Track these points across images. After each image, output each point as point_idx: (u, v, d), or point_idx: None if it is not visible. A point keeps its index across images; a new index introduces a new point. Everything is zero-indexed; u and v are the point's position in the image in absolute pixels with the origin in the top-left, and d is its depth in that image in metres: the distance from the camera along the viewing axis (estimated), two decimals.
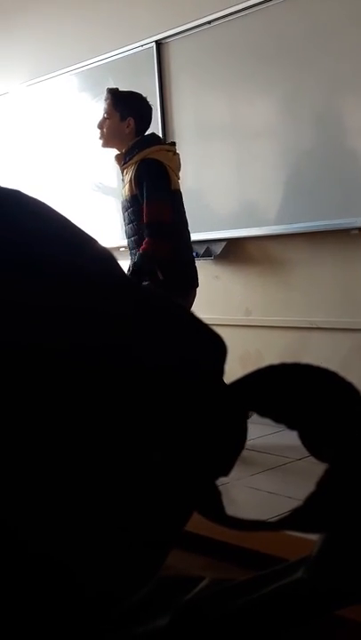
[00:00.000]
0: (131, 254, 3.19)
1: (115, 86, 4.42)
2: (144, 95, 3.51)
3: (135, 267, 3.06)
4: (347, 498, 0.32)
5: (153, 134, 3.24)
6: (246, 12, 3.63)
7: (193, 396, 0.34)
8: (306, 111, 3.49)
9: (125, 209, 3.18)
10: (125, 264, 4.41)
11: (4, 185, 0.37)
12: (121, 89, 4.36)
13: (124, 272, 0.37)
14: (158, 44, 4.06)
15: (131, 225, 3.16)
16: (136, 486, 0.32)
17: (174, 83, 4.05)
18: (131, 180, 3.09)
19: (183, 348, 0.35)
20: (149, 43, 4.09)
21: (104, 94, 3.27)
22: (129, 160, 3.12)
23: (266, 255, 3.84)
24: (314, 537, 0.34)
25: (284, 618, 0.33)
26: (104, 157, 4.51)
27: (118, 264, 0.37)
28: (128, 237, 3.20)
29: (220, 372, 0.36)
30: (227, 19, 3.71)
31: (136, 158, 3.10)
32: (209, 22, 3.79)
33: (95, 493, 0.31)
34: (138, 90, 4.17)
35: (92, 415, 0.31)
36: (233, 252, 3.92)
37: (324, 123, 3.43)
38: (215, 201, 3.89)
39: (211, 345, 0.36)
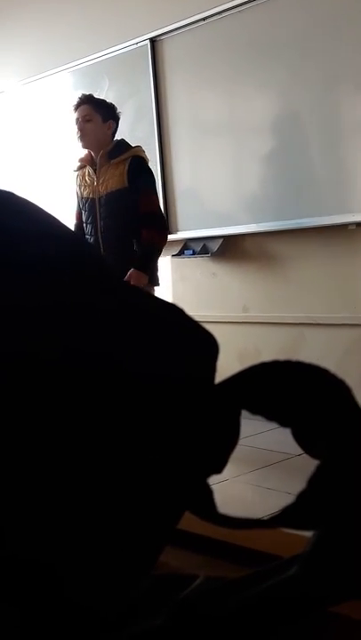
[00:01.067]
0: (104, 247, 3.32)
1: (108, 83, 4.43)
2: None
3: (143, 257, 3.22)
4: (338, 494, 0.32)
5: (125, 139, 3.43)
6: (241, 8, 3.63)
7: (185, 395, 0.34)
8: (302, 107, 3.49)
9: (105, 203, 3.32)
10: None
11: None
12: (116, 87, 4.37)
13: (114, 274, 0.37)
14: (153, 41, 4.05)
15: (108, 219, 3.31)
16: (128, 485, 0.32)
17: (169, 80, 4.04)
18: (122, 174, 3.27)
19: (175, 346, 0.35)
20: (144, 40, 4.08)
21: (76, 100, 3.43)
22: (115, 157, 3.32)
23: (263, 252, 3.84)
24: (307, 534, 0.34)
25: (279, 615, 0.34)
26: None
27: (108, 266, 0.38)
28: (103, 231, 3.32)
29: (213, 370, 0.36)
30: (221, 15, 3.71)
31: (126, 155, 3.31)
32: (203, 19, 3.78)
33: (86, 493, 0.31)
34: (133, 87, 4.17)
35: (83, 416, 0.31)
36: (230, 248, 3.92)
37: (320, 118, 3.43)
38: (212, 198, 3.88)
39: (203, 343, 0.36)
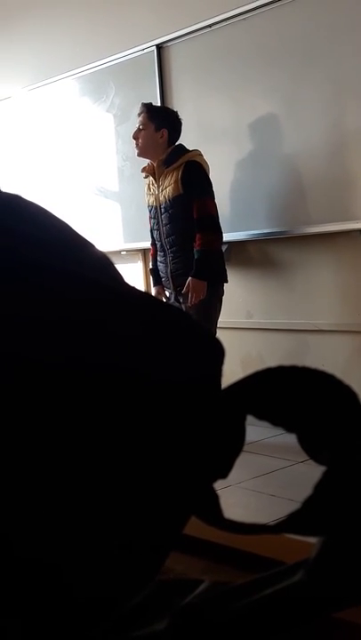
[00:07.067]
0: (169, 252, 3.50)
1: (114, 90, 4.44)
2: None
3: (199, 263, 3.37)
4: (345, 501, 0.32)
5: (182, 144, 3.53)
6: (247, 15, 3.64)
7: (190, 400, 0.34)
8: (307, 114, 3.49)
9: (165, 210, 3.47)
10: (127, 267, 4.41)
11: (4, 189, 0.37)
12: (122, 93, 4.39)
13: (122, 278, 0.37)
14: (159, 47, 4.07)
15: (169, 225, 3.47)
16: (134, 490, 0.32)
17: (175, 86, 4.06)
18: (177, 181, 3.41)
19: (180, 352, 0.35)
20: (150, 47, 4.10)
21: (138, 109, 3.57)
22: (171, 165, 3.44)
23: (267, 258, 3.84)
24: (312, 540, 0.34)
25: (283, 620, 0.34)
26: (105, 162, 4.52)
27: (116, 270, 0.38)
28: (166, 237, 3.49)
29: (218, 375, 0.36)
30: (227, 22, 3.72)
31: (180, 161, 3.43)
32: (209, 26, 3.80)
33: (93, 498, 0.31)
34: (139, 93, 4.18)
35: (89, 422, 0.32)
36: (234, 254, 3.92)
37: (325, 125, 3.44)
38: (217, 203, 3.89)
39: (208, 348, 0.36)
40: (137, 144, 3.53)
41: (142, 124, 3.50)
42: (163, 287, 3.69)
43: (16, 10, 4.92)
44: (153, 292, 3.71)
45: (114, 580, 0.32)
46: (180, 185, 3.40)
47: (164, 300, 3.61)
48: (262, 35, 3.60)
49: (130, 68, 4.25)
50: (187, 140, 3.60)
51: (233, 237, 3.81)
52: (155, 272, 3.71)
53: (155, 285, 3.72)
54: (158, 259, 3.63)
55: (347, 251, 3.50)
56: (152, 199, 3.58)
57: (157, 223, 3.56)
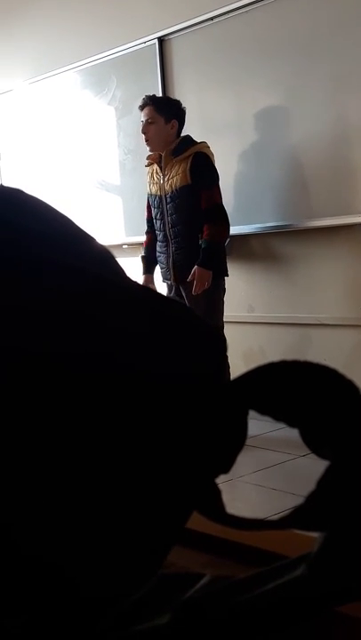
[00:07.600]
0: (172, 243, 3.47)
1: (116, 83, 4.43)
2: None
3: (206, 253, 3.36)
4: (347, 496, 0.32)
5: (190, 135, 3.52)
6: (249, 7, 3.62)
7: (192, 395, 0.34)
8: (309, 107, 3.48)
9: (171, 200, 3.45)
10: (128, 261, 4.41)
11: (6, 183, 0.37)
12: (124, 86, 4.38)
13: (123, 272, 0.37)
14: (161, 40, 4.05)
15: (175, 215, 3.45)
16: (136, 485, 0.32)
17: (177, 79, 4.04)
18: (185, 171, 3.40)
19: (182, 347, 0.35)
20: (152, 39, 4.08)
21: (141, 101, 3.50)
22: (179, 155, 3.43)
23: (269, 252, 3.83)
24: (315, 534, 0.34)
25: (285, 615, 0.33)
26: (107, 155, 4.52)
27: (118, 264, 0.38)
28: (171, 227, 3.47)
29: (220, 369, 0.36)
30: (229, 15, 3.70)
31: (189, 152, 3.42)
32: (211, 19, 3.78)
33: (95, 493, 0.31)
34: (141, 87, 4.17)
35: (90, 416, 0.31)
36: (236, 248, 3.91)
37: (327, 118, 3.42)
38: None
39: (210, 343, 0.36)
40: (146, 139, 3.47)
41: (150, 117, 3.44)
42: (152, 277, 3.66)
43: (18, 3, 4.91)
44: (142, 280, 3.68)
45: (116, 575, 0.32)
46: (188, 175, 3.38)
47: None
48: (265, 27, 3.58)
49: (132, 60, 4.24)
50: (189, 132, 3.59)
51: (235, 231, 3.80)
52: (147, 260, 3.68)
53: (144, 274, 3.68)
54: (158, 249, 3.58)
55: (350, 244, 3.49)
56: (155, 188, 3.53)
57: (161, 213, 3.51)
